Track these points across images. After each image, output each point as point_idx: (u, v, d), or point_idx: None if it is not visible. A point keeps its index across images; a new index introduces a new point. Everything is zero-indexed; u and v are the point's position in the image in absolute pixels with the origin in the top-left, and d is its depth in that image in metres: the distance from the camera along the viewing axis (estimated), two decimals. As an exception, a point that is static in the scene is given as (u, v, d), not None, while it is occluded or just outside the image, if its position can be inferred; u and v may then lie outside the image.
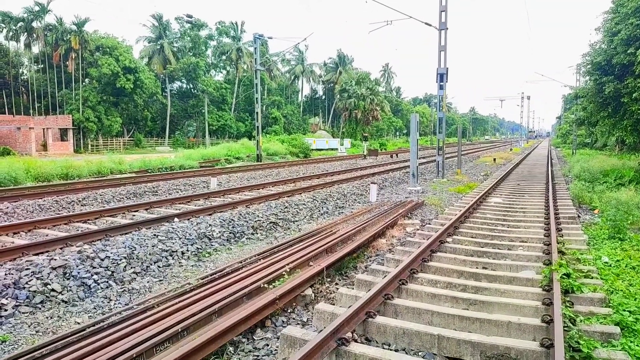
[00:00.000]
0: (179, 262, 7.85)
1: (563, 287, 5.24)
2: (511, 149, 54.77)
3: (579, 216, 10.90)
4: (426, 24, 21.16)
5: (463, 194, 14.86)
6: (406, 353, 4.31)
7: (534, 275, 6.00)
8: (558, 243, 7.34)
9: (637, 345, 4.15)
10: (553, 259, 6.23)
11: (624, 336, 4.32)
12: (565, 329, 4.13)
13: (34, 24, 52.61)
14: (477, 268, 6.58)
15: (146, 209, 11.90)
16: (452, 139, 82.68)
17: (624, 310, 4.85)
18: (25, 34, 53.49)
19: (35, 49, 55.93)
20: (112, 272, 6.87)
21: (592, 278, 5.85)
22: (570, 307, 4.76)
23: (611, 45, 15.01)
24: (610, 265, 6.71)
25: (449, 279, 6.01)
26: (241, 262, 7.20)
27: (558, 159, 36.66)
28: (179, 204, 12.89)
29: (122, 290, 6.47)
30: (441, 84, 20.64)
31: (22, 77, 57.77)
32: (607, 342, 4.18)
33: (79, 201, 13.34)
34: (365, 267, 7.21)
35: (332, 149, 51.71)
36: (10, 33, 52.86)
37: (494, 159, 32.86)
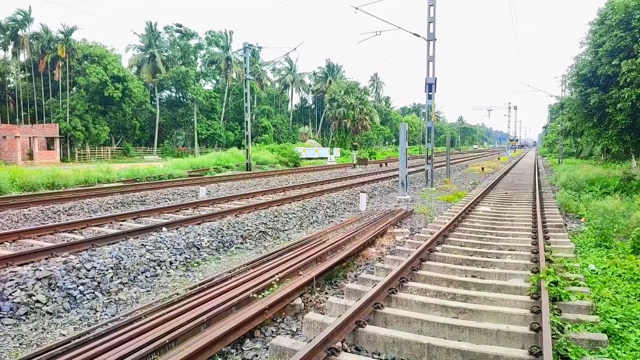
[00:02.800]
0: (167, 272, 7.76)
1: (551, 295, 5.27)
2: (499, 158, 55.32)
3: (565, 224, 11.02)
4: (415, 34, 21.40)
5: (452, 203, 14.94)
6: (396, 362, 4.29)
7: (523, 284, 6.04)
8: (546, 251, 7.41)
9: (624, 353, 4.18)
10: (541, 267, 6.28)
11: (611, 343, 4.36)
12: (554, 336, 4.15)
13: (19, 33, 52.16)
14: (466, 276, 6.61)
15: (134, 219, 11.77)
16: (440, 148, 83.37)
17: (611, 318, 4.89)
18: (13, 42, 53.01)
19: (22, 57, 55.46)
20: (99, 282, 6.78)
21: (579, 286, 5.90)
22: (558, 315, 4.79)
23: (596, 57, 15.30)
24: (597, 273, 6.78)
25: (438, 287, 6.02)
26: (230, 272, 7.15)
27: (545, 168, 37.09)
28: (168, 213, 12.79)
29: (109, 301, 6.37)
30: (430, 93, 20.83)
31: (8, 86, 57.13)
32: (595, 350, 4.21)
33: (65, 211, 13.16)
34: (355, 276, 7.19)
35: (321, 158, 51.78)
36: (-2, 42, 52.42)
37: (482, 168, 33.14)
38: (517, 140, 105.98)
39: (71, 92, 53.35)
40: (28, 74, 55.44)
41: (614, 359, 4.02)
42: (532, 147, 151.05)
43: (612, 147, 17.20)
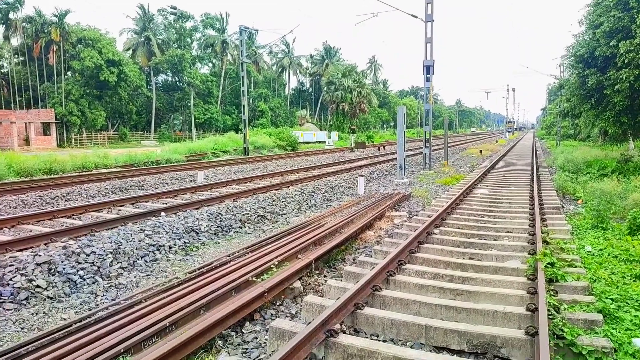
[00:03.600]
0: (167, 257, 7.80)
1: (547, 276, 5.32)
2: (497, 141, 55.29)
3: (563, 206, 11.07)
4: (412, 15, 21.17)
5: (450, 186, 14.98)
6: (394, 343, 4.34)
7: (519, 265, 6.09)
8: (542, 233, 7.46)
9: (619, 332, 4.24)
10: (538, 249, 6.33)
11: (606, 323, 4.42)
12: (550, 317, 4.20)
13: (11, 16, 51.33)
14: (463, 258, 6.66)
15: (132, 204, 11.78)
16: (438, 131, 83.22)
17: (607, 298, 4.95)
18: (3, 26, 52.24)
19: (15, 42, 54.73)
20: (98, 267, 6.81)
21: (575, 267, 5.96)
22: (554, 296, 4.84)
23: (594, 38, 15.19)
24: (594, 254, 6.84)
25: (436, 269, 6.07)
26: (229, 256, 7.18)
27: (542, 150, 37.11)
28: (166, 198, 12.79)
29: (109, 285, 6.41)
30: (427, 76, 20.72)
31: (2, 70, 56.48)
32: (590, 330, 4.27)
33: (63, 196, 13.15)
34: (354, 259, 7.24)
35: (319, 142, 51.66)
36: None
37: (480, 151, 33.14)
38: (513, 122, 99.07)
39: (66, 76, 52.82)
40: (22, 59, 54.76)
41: (609, 339, 4.07)
42: (530, 129, 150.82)
43: (609, 128, 17.19)
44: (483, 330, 4.17)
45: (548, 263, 5.63)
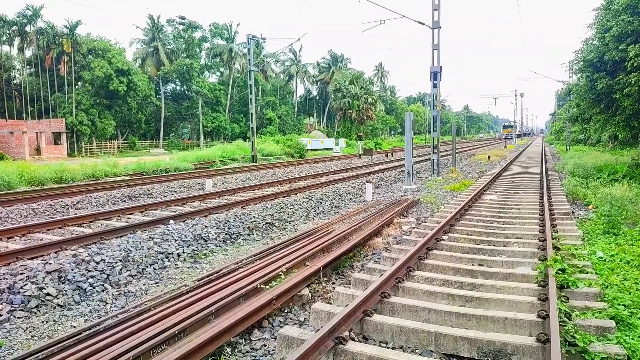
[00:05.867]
0: (175, 264, 7.82)
1: (558, 282, 5.26)
2: (505, 147, 55.00)
3: (573, 212, 10.97)
4: (419, 22, 21.20)
5: (458, 192, 14.90)
6: (403, 351, 4.32)
7: (530, 271, 6.03)
8: (553, 239, 7.38)
9: (632, 339, 4.17)
10: (548, 255, 6.26)
11: (619, 330, 4.35)
12: (561, 323, 4.15)
13: (27, 28, 52.33)
14: (473, 265, 6.61)
15: (141, 212, 11.85)
16: (446, 137, 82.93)
17: (619, 304, 4.88)
18: (19, 38, 53.21)
19: (28, 53, 55.66)
20: (108, 275, 6.84)
21: (587, 273, 5.89)
22: (565, 302, 4.79)
23: (603, 42, 15.10)
24: (605, 260, 6.75)
25: (445, 276, 6.03)
26: (237, 263, 7.19)
27: (552, 156, 36.83)
28: (174, 206, 12.85)
29: (118, 293, 6.44)
30: (435, 82, 20.69)
31: (14, 81, 57.39)
32: (603, 336, 4.21)
33: (74, 205, 13.27)
34: (362, 266, 7.21)
35: (327, 149, 51.70)
36: (5, 37, 52.57)
37: (489, 157, 32.97)
38: (512, 126, 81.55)
39: (76, 86, 53.54)
40: (34, 70, 55.65)
41: (622, 345, 4.01)
42: (539, 134, 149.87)
43: (619, 133, 17.02)
44: (493, 337, 4.13)
45: (559, 269, 5.57)
